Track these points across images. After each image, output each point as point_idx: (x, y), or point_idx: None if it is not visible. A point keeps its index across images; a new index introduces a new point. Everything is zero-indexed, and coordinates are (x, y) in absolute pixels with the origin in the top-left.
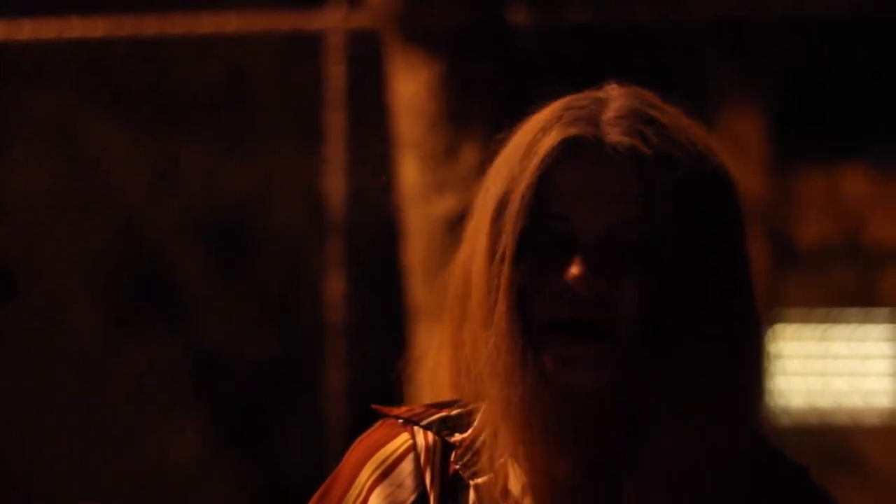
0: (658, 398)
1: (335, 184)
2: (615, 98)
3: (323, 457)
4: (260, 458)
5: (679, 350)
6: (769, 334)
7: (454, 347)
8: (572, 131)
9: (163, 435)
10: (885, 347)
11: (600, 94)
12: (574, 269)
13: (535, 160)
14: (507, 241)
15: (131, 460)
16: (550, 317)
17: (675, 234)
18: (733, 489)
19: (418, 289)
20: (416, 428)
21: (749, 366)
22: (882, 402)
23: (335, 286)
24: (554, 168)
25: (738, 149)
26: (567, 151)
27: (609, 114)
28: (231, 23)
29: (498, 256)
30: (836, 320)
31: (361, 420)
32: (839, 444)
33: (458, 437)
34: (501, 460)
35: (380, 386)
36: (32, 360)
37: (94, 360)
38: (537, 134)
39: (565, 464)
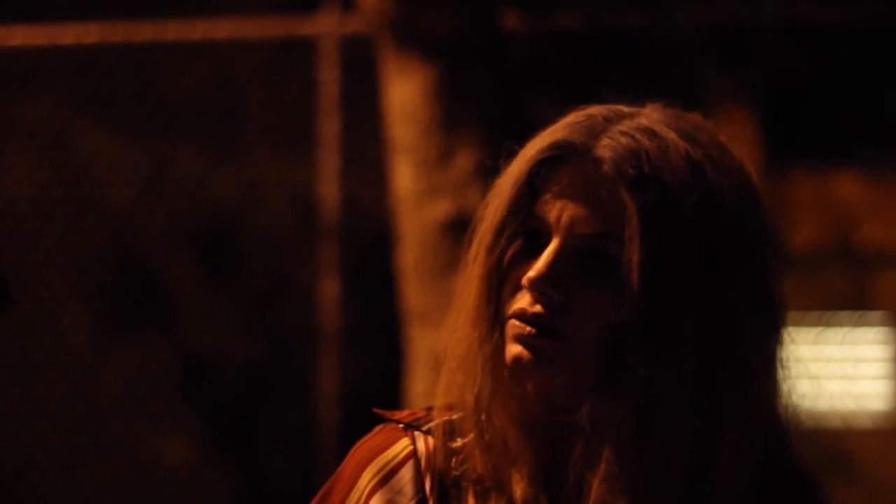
0: (602, 422)
1: (329, 189)
2: (640, 114)
3: (314, 462)
4: (251, 463)
5: (632, 379)
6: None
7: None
8: (565, 136)
9: (153, 440)
10: (877, 351)
11: (633, 108)
12: (533, 271)
13: (527, 159)
14: (486, 231)
15: (122, 466)
16: (513, 307)
17: (642, 261)
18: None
19: (412, 293)
20: (416, 433)
21: (721, 397)
22: (875, 405)
23: (329, 291)
24: (543, 170)
25: None
26: (557, 153)
27: (618, 127)
28: (224, 29)
29: (475, 245)
30: (828, 324)
31: (354, 425)
32: (832, 446)
33: (459, 442)
34: (499, 467)
35: (373, 391)
36: (22, 365)
37: (84, 365)
38: (545, 132)
39: (522, 476)
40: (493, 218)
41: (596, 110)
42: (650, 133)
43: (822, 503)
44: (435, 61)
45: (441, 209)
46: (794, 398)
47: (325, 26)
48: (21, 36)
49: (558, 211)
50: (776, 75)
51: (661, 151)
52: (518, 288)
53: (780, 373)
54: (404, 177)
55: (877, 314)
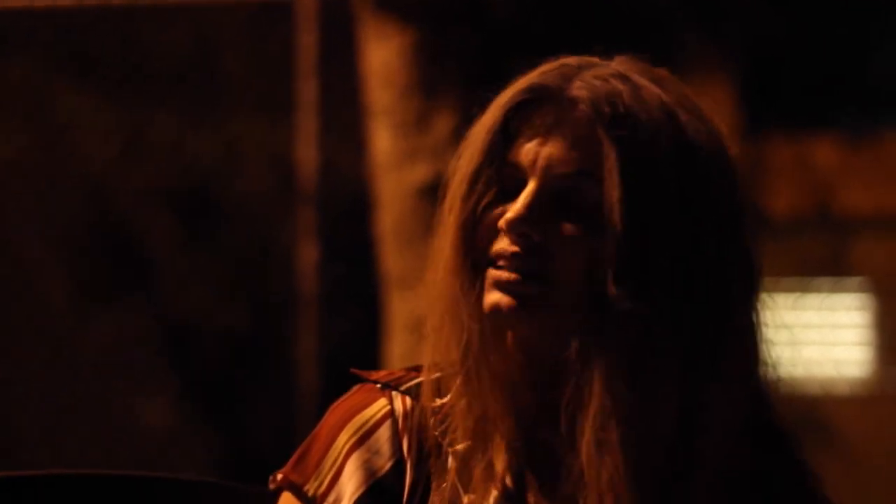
0: (592, 359)
1: (307, 152)
2: (611, 64)
3: (293, 424)
4: (231, 424)
5: (616, 315)
6: (751, 312)
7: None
8: (538, 81)
9: (134, 404)
10: (855, 317)
11: (603, 59)
12: (510, 212)
13: (501, 104)
14: (461, 180)
15: (101, 428)
16: (492, 252)
17: (621, 197)
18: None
19: (391, 257)
20: (394, 393)
21: (703, 345)
22: (853, 371)
23: (307, 255)
24: (517, 115)
25: None
26: (531, 97)
27: (591, 72)
28: None
29: (450, 196)
30: (806, 289)
31: (332, 388)
32: (810, 413)
33: (437, 402)
34: (482, 426)
35: (351, 354)
36: (1, 328)
37: (63, 329)
38: (517, 81)
39: (503, 435)
40: (467, 166)
41: (568, 60)
42: (623, 77)
43: (804, 462)
44: (413, 24)
45: (419, 173)
46: (774, 360)
47: None
48: None
49: (534, 153)
50: (754, 41)
51: (635, 93)
52: (495, 234)
53: (760, 326)
54: (382, 140)
55: (855, 280)
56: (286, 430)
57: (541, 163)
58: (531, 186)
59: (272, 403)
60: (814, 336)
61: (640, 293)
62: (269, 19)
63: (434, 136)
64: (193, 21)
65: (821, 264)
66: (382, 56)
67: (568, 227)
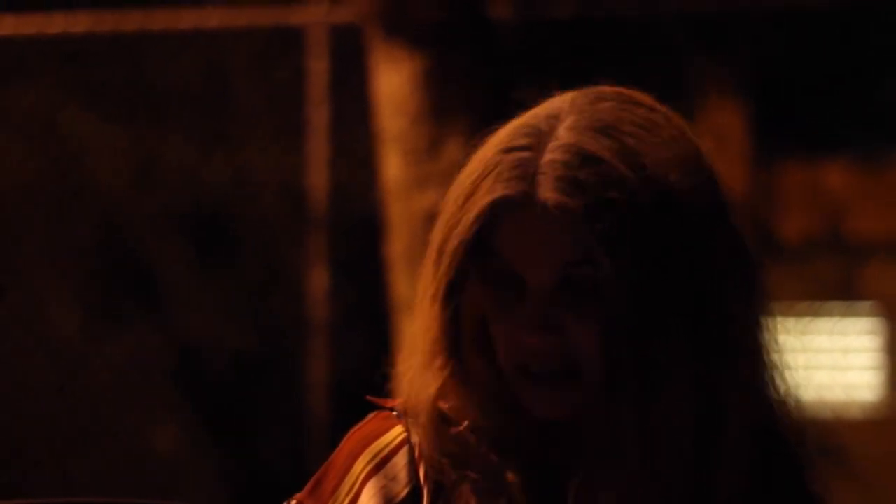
0: (603, 431)
1: (317, 178)
2: (562, 122)
3: (304, 450)
4: (241, 451)
5: (636, 381)
6: (760, 347)
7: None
8: (502, 193)
9: (144, 428)
10: (867, 341)
11: (549, 116)
12: (523, 325)
13: (468, 219)
14: (437, 286)
15: (112, 453)
16: (520, 365)
17: (615, 274)
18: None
19: (401, 283)
20: (410, 421)
21: (726, 377)
22: (864, 395)
23: (317, 280)
24: (489, 226)
25: (720, 142)
26: (498, 212)
27: (546, 157)
28: (212, 18)
29: (428, 294)
30: (818, 314)
31: (343, 414)
32: (821, 437)
33: (453, 430)
34: (495, 455)
35: (361, 380)
36: (12, 353)
37: (74, 352)
38: (475, 181)
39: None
40: (441, 274)
41: (514, 139)
42: (578, 152)
43: (817, 485)
44: (423, 51)
45: (429, 199)
46: (787, 383)
47: (314, 15)
48: (10, 25)
49: (521, 258)
50: (765, 64)
51: (597, 168)
52: (507, 331)
53: (771, 353)
54: (393, 166)
55: (866, 304)
56: (297, 454)
57: (531, 266)
58: (530, 291)
59: (283, 428)
60: (825, 360)
61: (653, 359)
62: (280, 46)
63: (444, 162)
64: (205, 48)
65: (832, 289)
66: (393, 82)
67: (579, 315)
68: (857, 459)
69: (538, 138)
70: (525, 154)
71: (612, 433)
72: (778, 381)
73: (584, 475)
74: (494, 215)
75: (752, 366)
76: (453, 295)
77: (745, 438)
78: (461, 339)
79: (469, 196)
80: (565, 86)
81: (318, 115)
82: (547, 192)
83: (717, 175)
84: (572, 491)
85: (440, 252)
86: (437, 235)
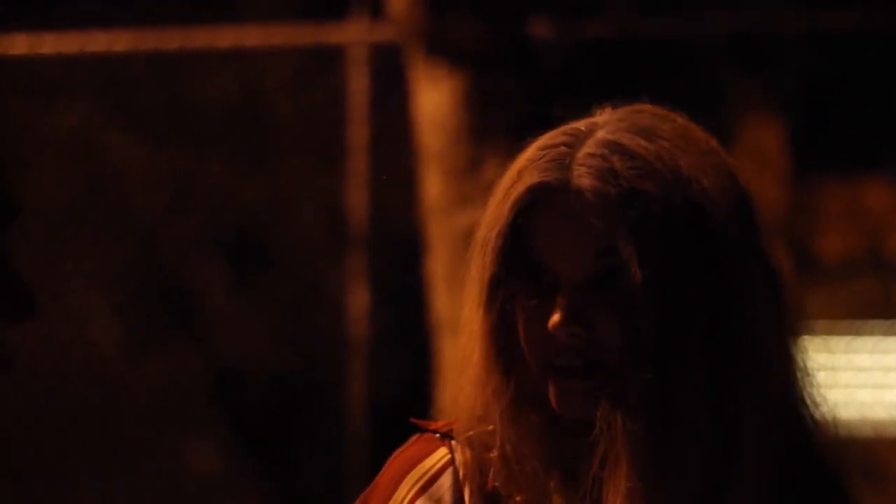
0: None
1: (357, 197)
2: (601, 127)
3: (344, 471)
4: (281, 472)
5: (646, 388)
6: (790, 351)
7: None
8: (539, 178)
9: (184, 449)
10: None
11: (588, 122)
12: (555, 317)
13: (507, 207)
14: (481, 286)
15: (152, 474)
16: (545, 360)
17: (643, 271)
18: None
19: (441, 302)
20: (454, 443)
21: (744, 390)
22: None
23: (357, 300)
24: (526, 214)
25: (759, 162)
26: (536, 198)
27: (584, 150)
28: (252, 36)
29: (472, 300)
30: (859, 333)
31: (383, 434)
32: (863, 456)
33: (496, 452)
34: (535, 476)
35: (402, 400)
36: (53, 374)
37: (114, 374)
38: (514, 176)
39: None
40: (483, 273)
41: (554, 139)
42: (617, 147)
43: (855, 502)
44: (464, 70)
45: (470, 218)
46: (821, 401)
47: (354, 34)
48: (51, 44)
49: (555, 249)
50: (804, 83)
51: (633, 161)
52: (541, 328)
53: (799, 369)
54: (433, 185)
55: None
56: (336, 475)
57: (565, 257)
58: (563, 284)
59: (322, 449)
60: (866, 379)
61: (672, 365)
62: (320, 65)
63: (484, 180)
64: (245, 66)
65: (873, 307)
66: (433, 101)
67: (610, 310)
68: None
69: (577, 137)
70: (563, 149)
71: (624, 431)
72: (811, 399)
73: (594, 474)
74: (531, 203)
75: (772, 380)
76: (496, 295)
77: (763, 452)
78: (507, 346)
79: (508, 189)
80: (604, 105)
81: (358, 135)
82: (583, 178)
83: (750, 197)
84: (583, 487)
85: (483, 246)
86: (480, 233)
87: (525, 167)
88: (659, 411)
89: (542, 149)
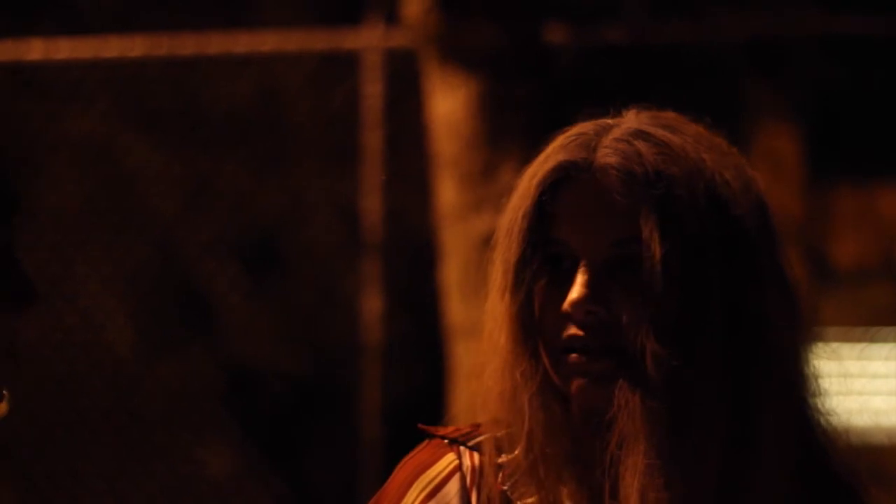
0: (636, 418)
1: (372, 203)
2: (626, 121)
3: (357, 476)
4: (294, 476)
5: (664, 371)
6: (803, 348)
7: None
8: (565, 157)
9: (197, 452)
10: None
11: (615, 118)
12: (573, 295)
13: (533, 186)
14: (506, 268)
15: (165, 477)
16: (561, 341)
17: (664, 251)
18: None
19: (455, 308)
20: (462, 448)
21: (759, 381)
22: None
23: (371, 305)
24: (551, 194)
25: (774, 168)
26: (561, 177)
27: (610, 137)
28: (267, 42)
29: (498, 287)
30: (873, 340)
31: (396, 439)
32: (877, 463)
33: (504, 457)
34: (547, 480)
35: (416, 405)
36: (68, 376)
37: (128, 376)
38: (541, 160)
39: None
40: (510, 255)
41: (582, 128)
42: (642, 134)
43: None
44: (479, 75)
45: (484, 223)
46: (834, 406)
47: (369, 40)
48: (66, 49)
49: (578, 230)
50: (818, 89)
51: (659, 148)
52: (555, 313)
53: (813, 374)
54: (448, 191)
55: None
56: (349, 480)
57: (587, 238)
58: (583, 264)
59: (336, 453)
60: (881, 386)
61: (689, 350)
62: (335, 70)
63: (499, 186)
64: (259, 72)
65: (888, 314)
66: (448, 107)
67: (628, 293)
68: None
69: (603, 126)
70: (591, 135)
71: (643, 408)
72: (823, 405)
73: (610, 461)
74: (557, 181)
75: (787, 376)
76: (523, 276)
77: (778, 444)
78: (534, 330)
79: (534, 171)
80: (621, 111)
81: (373, 140)
82: (609, 157)
83: (767, 204)
84: (597, 475)
85: (509, 229)
86: (504, 218)
87: (552, 151)
88: (679, 390)
89: (570, 136)
